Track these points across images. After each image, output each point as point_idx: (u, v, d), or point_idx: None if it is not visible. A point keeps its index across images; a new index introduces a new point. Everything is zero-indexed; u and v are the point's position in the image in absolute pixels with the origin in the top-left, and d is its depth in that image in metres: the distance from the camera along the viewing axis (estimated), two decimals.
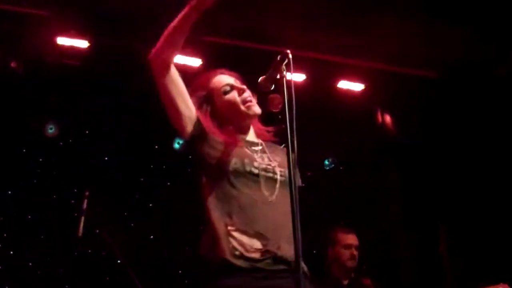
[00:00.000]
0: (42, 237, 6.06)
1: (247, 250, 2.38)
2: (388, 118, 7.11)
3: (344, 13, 5.52)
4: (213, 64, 5.80)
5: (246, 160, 2.56)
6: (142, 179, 6.62)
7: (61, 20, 5.55)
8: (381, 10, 5.45)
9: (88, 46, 5.71)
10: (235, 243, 2.38)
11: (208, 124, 2.68)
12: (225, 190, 2.51)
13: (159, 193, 6.56)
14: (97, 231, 4.70)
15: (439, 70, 6.46)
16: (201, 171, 2.62)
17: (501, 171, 6.41)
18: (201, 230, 2.59)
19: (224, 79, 2.79)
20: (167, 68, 2.60)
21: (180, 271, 6.34)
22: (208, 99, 2.76)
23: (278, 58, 2.44)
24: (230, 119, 2.74)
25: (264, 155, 2.66)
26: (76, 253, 5.86)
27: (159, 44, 2.58)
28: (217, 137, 2.64)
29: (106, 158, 6.55)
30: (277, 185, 2.55)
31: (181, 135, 2.68)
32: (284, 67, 2.40)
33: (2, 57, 5.74)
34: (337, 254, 4.83)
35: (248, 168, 2.54)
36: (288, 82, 2.37)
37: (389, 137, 7.06)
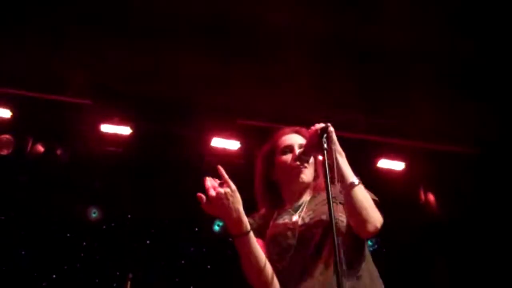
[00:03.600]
0: None
1: None
2: (431, 197, 7.00)
3: (380, 92, 5.57)
4: (251, 146, 5.93)
5: (279, 238, 2.54)
6: (183, 262, 6.61)
7: (104, 108, 5.73)
8: (417, 88, 5.49)
9: (131, 133, 5.86)
10: None
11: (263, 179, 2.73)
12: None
13: (200, 276, 6.53)
14: None
15: (481, 147, 6.39)
16: None
17: None
18: None
19: (290, 139, 2.75)
20: None
21: None
22: (270, 156, 2.76)
23: (319, 131, 2.42)
24: (282, 181, 2.71)
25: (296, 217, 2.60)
26: None
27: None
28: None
29: (148, 242, 6.59)
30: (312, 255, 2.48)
31: None
32: (325, 140, 2.39)
33: (48, 144, 5.93)
34: None
35: (283, 245, 2.51)
36: (329, 155, 2.36)
37: (433, 216, 6.93)
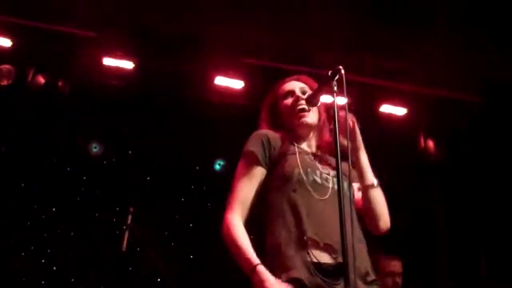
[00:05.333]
0: (85, 253, 6.14)
1: (320, 266, 2.34)
2: (431, 143, 7.01)
3: (387, 37, 5.50)
4: (255, 86, 5.88)
5: (309, 170, 2.56)
6: (183, 199, 6.66)
7: (108, 41, 5.65)
8: (424, 34, 5.42)
9: (134, 67, 5.80)
10: (308, 258, 2.35)
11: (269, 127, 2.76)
12: (291, 201, 2.49)
13: (200, 213, 6.59)
14: (138, 249, 4.75)
15: (482, 94, 6.36)
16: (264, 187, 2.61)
17: None
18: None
19: (290, 85, 2.81)
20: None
21: None
22: (273, 104, 2.83)
23: (329, 73, 2.39)
24: (286, 126, 2.76)
25: (319, 165, 2.63)
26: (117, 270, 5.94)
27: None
28: (276, 144, 2.65)
29: (148, 178, 6.62)
30: (330, 192, 2.52)
31: None
32: (335, 83, 2.37)
33: (50, 76, 5.87)
34: (379, 281, 4.69)
35: (311, 178, 2.53)
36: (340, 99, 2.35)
37: (432, 162, 6.96)
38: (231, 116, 5.97)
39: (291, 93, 2.76)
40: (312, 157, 2.67)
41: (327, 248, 2.36)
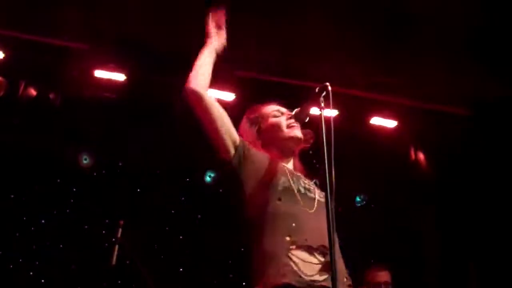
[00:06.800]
0: (73, 267, 6.11)
1: (306, 272, 2.33)
2: (421, 156, 7.03)
3: (378, 50, 5.52)
4: (246, 99, 5.89)
5: (294, 179, 2.59)
6: (173, 212, 6.65)
7: (99, 53, 5.65)
8: (415, 48, 5.45)
9: (125, 80, 5.80)
10: (294, 266, 2.33)
11: (252, 143, 2.76)
12: (275, 209, 2.49)
13: (190, 225, 6.58)
14: (128, 262, 4.72)
15: (473, 108, 6.39)
16: (243, 192, 2.59)
17: None
18: (243, 255, 2.58)
19: (276, 107, 2.86)
20: (200, 96, 2.66)
21: None
22: (256, 121, 2.84)
23: (317, 90, 2.42)
24: (274, 141, 2.78)
25: (302, 176, 2.69)
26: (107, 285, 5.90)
27: (190, 75, 2.75)
28: (261, 153, 2.70)
29: (138, 190, 6.60)
30: (315, 205, 2.55)
31: (224, 160, 2.68)
32: (322, 99, 2.39)
33: (41, 88, 5.86)
34: None
35: (296, 187, 2.56)
36: (327, 114, 2.35)
37: (423, 174, 6.98)
38: None
39: (280, 112, 2.82)
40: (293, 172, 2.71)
41: (317, 250, 2.39)
